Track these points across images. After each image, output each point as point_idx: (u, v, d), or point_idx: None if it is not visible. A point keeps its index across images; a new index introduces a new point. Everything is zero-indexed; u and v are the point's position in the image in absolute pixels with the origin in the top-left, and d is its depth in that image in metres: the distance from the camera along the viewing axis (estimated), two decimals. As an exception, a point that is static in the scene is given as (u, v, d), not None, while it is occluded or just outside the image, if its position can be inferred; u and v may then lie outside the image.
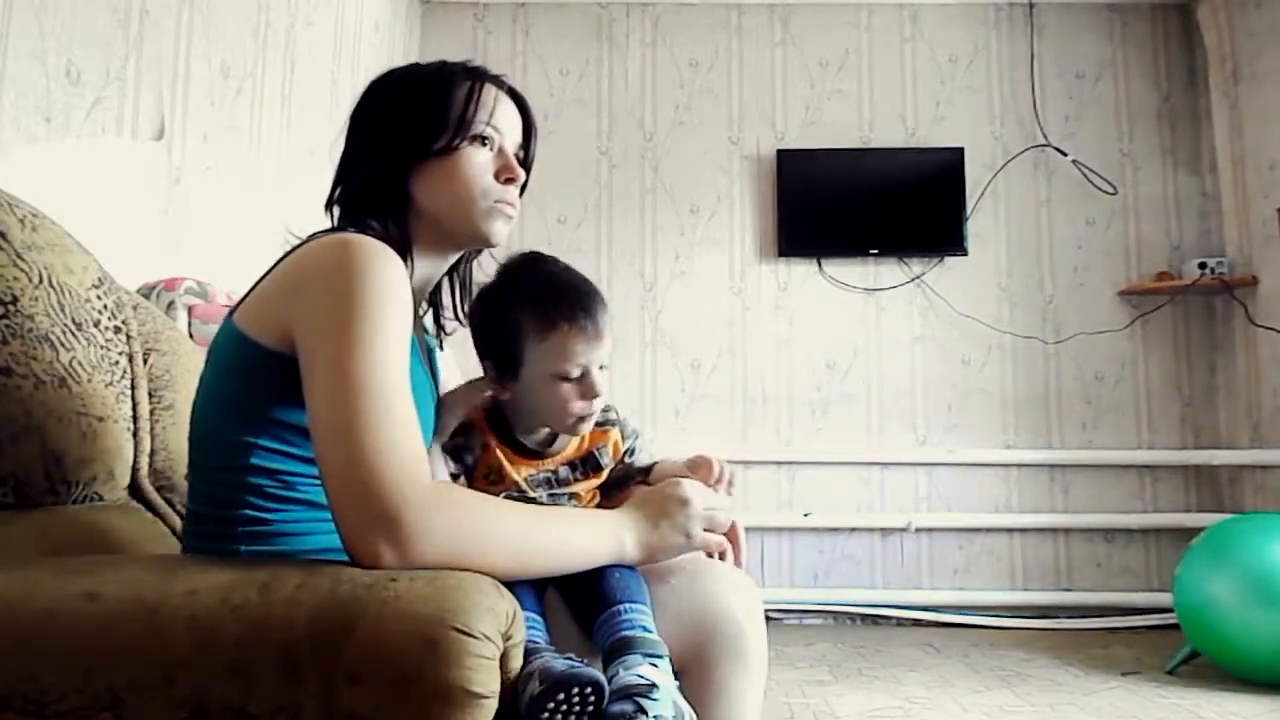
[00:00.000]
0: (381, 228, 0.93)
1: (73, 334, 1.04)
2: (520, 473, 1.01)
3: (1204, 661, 2.71)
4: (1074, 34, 3.89)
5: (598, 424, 1.04)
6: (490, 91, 0.98)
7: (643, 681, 0.79)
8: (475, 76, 0.98)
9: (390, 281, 0.81)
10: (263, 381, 0.84)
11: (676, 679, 0.93)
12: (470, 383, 1.09)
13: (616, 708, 0.76)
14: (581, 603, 0.91)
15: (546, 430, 1.04)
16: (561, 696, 0.73)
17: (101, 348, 1.09)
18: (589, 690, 0.74)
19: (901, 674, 2.80)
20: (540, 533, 0.84)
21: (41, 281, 1.01)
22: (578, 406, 0.97)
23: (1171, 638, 2.93)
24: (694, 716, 0.91)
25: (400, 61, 3.90)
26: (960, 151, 3.78)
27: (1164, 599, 3.32)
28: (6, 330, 0.94)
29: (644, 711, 0.76)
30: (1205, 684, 2.61)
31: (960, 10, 3.92)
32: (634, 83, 3.91)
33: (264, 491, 0.86)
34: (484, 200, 0.97)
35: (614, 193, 3.86)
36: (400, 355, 0.79)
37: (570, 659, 0.77)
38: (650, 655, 0.83)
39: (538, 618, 0.88)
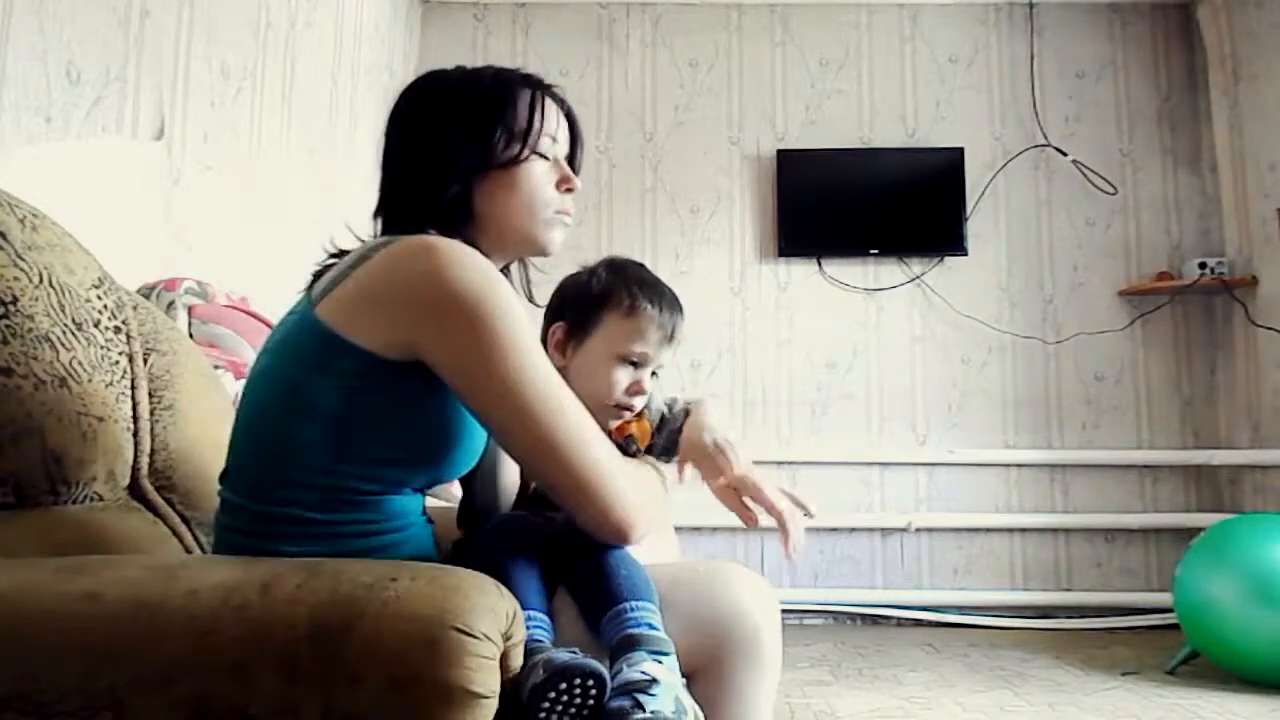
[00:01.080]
0: (458, 235, 0.93)
1: (73, 334, 1.04)
2: None
3: (1204, 661, 2.71)
4: (1074, 34, 3.89)
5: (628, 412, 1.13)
6: (546, 101, 1.00)
7: (643, 677, 0.79)
8: (534, 86, 1.00)
9: (500, 281, 0.84)
10: (351, 381, 0.84)
11: (685, 677, 0.94)
12: None
13: (615, 703, 0.77)
14: (589, 600, 0.92)
15: None
16: (563, 686, 0.74)
17: (101, 348, 1.09)
18: (590, 682, 0.75)
19: (902, 674, 2.80)
20: (655, 486, 1.01)
21: (42, 281, 1.01)
22: (621, 395, 1.07)
23: (1171, 638, 2.93)
24: (699, 713, 0.91)
25: (400, 62, 3.90)
26: (960, 151, 3.78)
27: (1164, 599, 3.32)
28: (6, 330, 0.94)
29: (641, 707, 0.76)
30: (1205, 684, 2.61)
31: (960, 10, 3.92)
32: (634, 83, 3.91)
33: (319, 489, 0.85)
34: (546, 210, 0.99)
35: (614, 193, 3.86)
36: (541, 350, 0.86)
37: (573, 651, 0.78)
38: (655, 652, 0.84)
39: (544, 616, 0.88)
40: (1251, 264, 3.50)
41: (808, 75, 3.91)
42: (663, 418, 1.16)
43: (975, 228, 3.78)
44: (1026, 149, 3.81)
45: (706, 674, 0.96)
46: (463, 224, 0.96)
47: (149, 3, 1.92)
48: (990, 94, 3.88)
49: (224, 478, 0.93)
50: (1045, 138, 3.80)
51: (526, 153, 0.96)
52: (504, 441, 0.87)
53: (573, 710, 0.75)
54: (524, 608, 0.80)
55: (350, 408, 0.84)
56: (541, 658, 0.75)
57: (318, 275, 0.94)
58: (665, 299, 1.10)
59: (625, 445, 1.10)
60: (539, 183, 0.98)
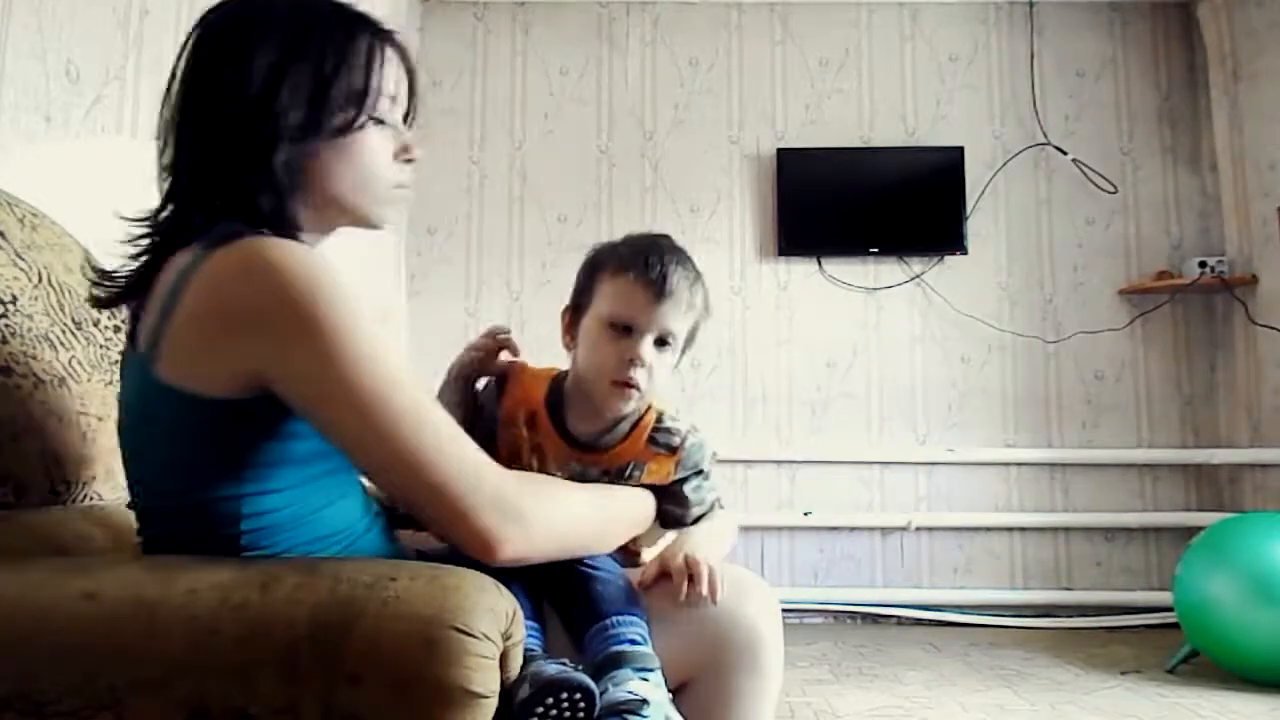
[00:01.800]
0: (269, 217, 0.80)
1: (72, 333, 1.03)
2: (554, 454, 1.01)
3: (1204, 661, 2.71)
4: (1074, 32, 3.88)
5: (661, 446, 1.01)
6: (387, 53, 0.86)
7: (633, 697, 0.78)
8: (372, 32, 0.86)
9: (338, 283, 0.74)
10: (228, 433, 0.77)
11: (683, 684, 0.93)
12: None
13: None
14: (573, 615, 0.90)
15: (596, 427, 1.02)
16: (550, 701, 0.73)
17: (101, 347, 1.09)
18: (578, 696, 0.74)
19: (902, 673, 2.80)
20: (604, 508, 0.92)
21: (41, 281, 1.01)
22: (613, 365, 0.96)
23: (1171, 637, 2.93)
24: None
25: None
26: (960, 151, 3.78)
27: (1164, 598, 3.32)
28: (6, 330, 0.94)
29: None
30: (1205, 683, 2.61)
31: (960, 9, 3.91)
32: (634, 82, 3.91)
33: (259, 535, 0.79)
34: (382, 186, 0.87)
35: (614, 192, 3.86)
36: (395, 354, 0.76)
37: (563, 663, 0.77)
38: (641, 669, 0.82)
39: (534, 624, 0.88)
40: (1251, 263, 3.50)
41: (807, 74, 3.91)
42: (682, 480, 1.02)
43: (975, 227, 3.78)
44: (1026, 148, 3.81)
45: (705, 681, 0.94)
46: (283, 196, 0.81)
47: (149, 2, 1.91)
48: (990, 93, 3.88)
49: (137, 518, 0.87)
50: (1045, 137, 3.80)
51: (364, 119, 0.83)
52: (357, 458, 0.77)
53: None
54: None
55: (241, 455, 0.77)
56: (530, 670, 0.74)
57: (128, 292, 0.84)
58: (661, 255, 0.97)
59: (627, 473, 1.00)
60: (376, 154, 0.85)
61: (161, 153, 0.85)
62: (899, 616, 3.59)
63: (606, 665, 0.83)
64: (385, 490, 0.80)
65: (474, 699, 0.63)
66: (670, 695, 0.86)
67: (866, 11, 3.92)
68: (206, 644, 0.64)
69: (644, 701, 0.78)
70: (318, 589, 0.66)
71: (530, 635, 0.84)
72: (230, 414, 0.75)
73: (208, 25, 0.84)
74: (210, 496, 0.78)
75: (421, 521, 0.79)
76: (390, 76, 0.86)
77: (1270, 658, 2.48)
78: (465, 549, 0.76)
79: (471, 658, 0.63)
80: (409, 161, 0.89)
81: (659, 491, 1.03)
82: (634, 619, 0.88)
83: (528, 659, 0.76)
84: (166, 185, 0.84)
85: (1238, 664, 2.57)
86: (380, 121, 0.85)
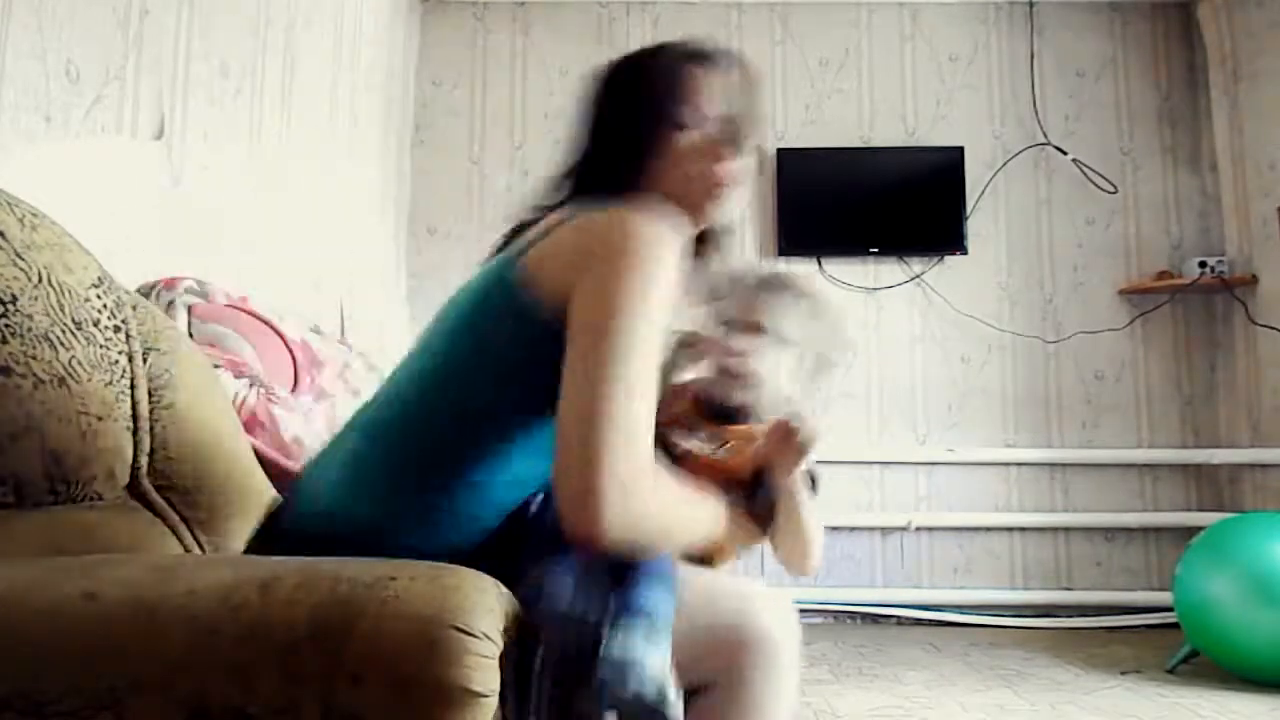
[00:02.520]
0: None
1: (72, 333, 1.03)
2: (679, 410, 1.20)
3: (1204, 661, 2.71)
4: (1074, 33, 3.88)
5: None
6: (703, 74, 1.01)
7: (632, 657, 0.77)
8: (694, 58, 1.02)
9: (666, 266, 0.85)
10: (525, 344, 0.88)
11: (699, 688, 0.93)
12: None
13: (603, 675, 0.74)
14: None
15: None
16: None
17: (101, 347, 1.09)
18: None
19: (902, 673, 2.80)
20: (692, 520, 0.96)
21: (41, 281, 1.01)
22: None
23: (1171, 637, 2.93)
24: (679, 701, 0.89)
25: (399, 61, 3.88)
26: (960, 150, 3.78)
27: (1164, 598, 3.32)
28: (5, 330, 0.94)
29: (626, 685, 0.74)
30: (1205, 683, 2.61)
31: (960, 9, 3.91)
32: (634, 82, 3.91)
33: (464, 461, 0.90)
34: (701, 184, 1.01)
35: (614, 192, 3.86)
36: (655, 342, 0.84)
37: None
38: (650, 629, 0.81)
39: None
40: (1251, 263, 3.50)
41: (807, 74, 3.91)
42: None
43: (975, 227, 3.78)
44: (1026, 148, 3.81)
45: (725, 688, 0.97)
46: (630, 195, 0.96)
47: (149, 2, 1.91)
48: (990, 93, 3.88)
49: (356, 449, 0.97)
50: (1045, 136, 3.80)
51: (670, 128, 0.99)
52: (565, 376, 0.83)
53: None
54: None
55: (516, 367, 0.89)
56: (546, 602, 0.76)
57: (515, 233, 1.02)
58: None
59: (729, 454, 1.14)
60: (692, 158, 0.99)
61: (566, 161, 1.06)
62: (899, 616, 3.59)
63: (620, 614, 0.79)
64: (560, 412, 0.83)
65: (474, 698, 0.63)
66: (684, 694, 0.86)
67: (866, 11, 3.92)
68: (206, 644, 0.64)
69: (640, 663, 0.76)
70: (318, 589, 0.66)
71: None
72: (539, 329, 0.86)
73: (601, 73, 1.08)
74: (470, 395, 0.91)
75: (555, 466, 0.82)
76: (700, 89, 1.00)
77: (1270, 658, 2.48)
78: (563, 504, 0.78)
79: (471, 657, 0.63)
80: (722, 161, 1.00)
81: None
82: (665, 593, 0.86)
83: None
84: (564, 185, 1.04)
85: (1238, 664, 2.57)
86: (699, 129, 1.00)
